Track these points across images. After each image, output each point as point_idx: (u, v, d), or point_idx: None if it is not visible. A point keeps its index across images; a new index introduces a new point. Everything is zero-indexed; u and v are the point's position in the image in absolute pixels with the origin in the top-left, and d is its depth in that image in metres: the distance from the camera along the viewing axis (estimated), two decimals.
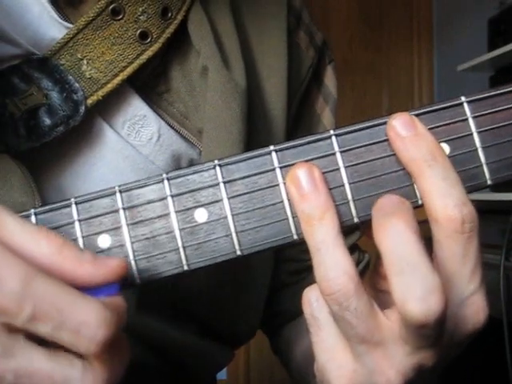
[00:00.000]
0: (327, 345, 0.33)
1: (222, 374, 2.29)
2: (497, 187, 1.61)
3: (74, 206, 0.33)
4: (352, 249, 0.61)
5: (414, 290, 0.28)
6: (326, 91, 0.60)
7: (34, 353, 0.27)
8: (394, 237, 0.29)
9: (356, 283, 0.30)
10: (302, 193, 0.31)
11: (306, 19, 0.59)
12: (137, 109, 0.47)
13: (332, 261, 0.30)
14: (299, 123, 0.57)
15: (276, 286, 0.58)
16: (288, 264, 0.59)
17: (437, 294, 0.28)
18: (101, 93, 0.43)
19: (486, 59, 1.93)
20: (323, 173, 0.33)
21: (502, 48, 1.84)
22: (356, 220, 0.33)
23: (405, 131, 0.32)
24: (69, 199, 0.33)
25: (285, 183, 0.32)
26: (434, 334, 0.29)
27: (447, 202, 0.31)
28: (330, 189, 0.33)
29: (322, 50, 0.60)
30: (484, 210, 1.61)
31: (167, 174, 0.33)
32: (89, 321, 0.27)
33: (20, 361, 0.27)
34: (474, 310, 0.32)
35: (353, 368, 0.32)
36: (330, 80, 0.60)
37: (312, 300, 0.33)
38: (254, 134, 0.49)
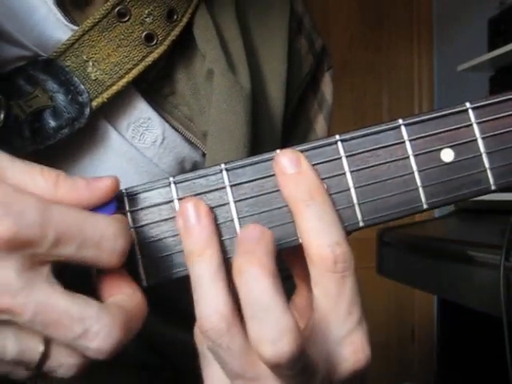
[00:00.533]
0: (216, 378, 0.33)
1: None
2: None
3: None
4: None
5: (265, 333, 0.28)
6: (322, 98, 0.60)
7: (54, 289, 0.29)
8: (248, 281, 0.29)
9: (228, 322, 0.30)
10: (187, 226, 0.32)
11: (307, 24, 0.59)
12: (141, 111, 0.47)
13: (207, 298, 0.30)
14: (293, 128, 0.57)
15: None
16: None
17: (288, 335, 0.28)
18: (106, 95, 0.43)
19: (486, 59, 1.94)
20: (329, 177, 0.33)
21: (502, 48, 1.85)
22: (361, 224, 0.33)
23: (288, 168, 0.32)
24: None
25: None
26: (295, 373, 0.30)
27: (321, 241, 0.31)
28: (336, 193, 0.33)
29: (320, 57, 0.60)
30: (484, 210, 1.62)
31: (174, 177, 0.33)
32: (107, 234, 0.29)
33: (40, 295, 0.28)
34: (352, 349, 0.32)
35: None
36: (326, 87, 0.60)
37: (199, 338, 0.33)
38: (258, 138, 0.49)
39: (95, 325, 0.28)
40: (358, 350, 0.32)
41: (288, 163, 0.33)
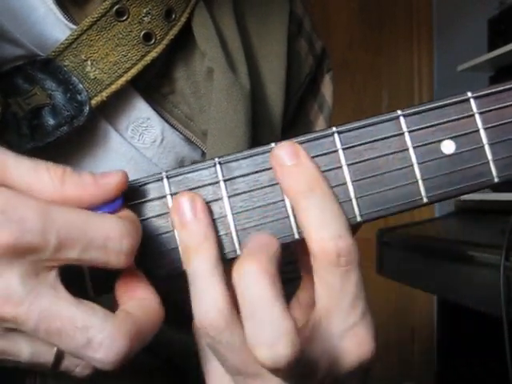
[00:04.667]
0: (216, 376, 0.33)
1: None
2: (497, 187, 1.60)
3: None
4: None
5: (262, 336, 0.28)
6: (322, 100, 0.60)
7: (59, 296, 0.28)
8: (247, 281, 0.29)
9: (227, 318, 0.29)
10: (183, 221, 0.31)
11: (307, 27, 0.59)
12: (141, 111, 0.47)
13: (205, 294, 0.30)
14: (293, 130, 0.57)
15: None
16: None
17: (285, 339, 0.27)
18: (105, 93, 0.43)
19: (485, 59, 1.94)
20: (325, 171, 0.32)
21: (502, 48, 1.84)
22: (359, 219, 0.32)
23: (286, 160, 0.32)
24: None
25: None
26: (294, 374, 0.29)
27: (323, 234, 0.30)
28: (333, 187, 0.32)
29: (320, 59, 0.60)
30: (484, 210, 1.62)
31: (167, 172, 0.33)
32: (112, 234, 0.28)
33: (44, 303, 0.28)
34: (356, 342, 0.31)
35: None
36: (326, 89, 0.60)
37: (196, 334, 0.33)
38: (258, 137, 0.49)
39: (98, 335, 0.28)
40: (362, 342, 0.32)
41: (286, 155, 0.32)
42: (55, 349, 0.29)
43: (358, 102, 2.66)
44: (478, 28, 2.16)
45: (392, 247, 1.50)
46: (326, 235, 0.30)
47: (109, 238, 0.28)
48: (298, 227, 0.32)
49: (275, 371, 0.29)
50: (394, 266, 1.51)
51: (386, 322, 2.61)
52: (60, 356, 0.29)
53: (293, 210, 0.32)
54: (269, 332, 0.28)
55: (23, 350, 0.29)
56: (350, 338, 0.31)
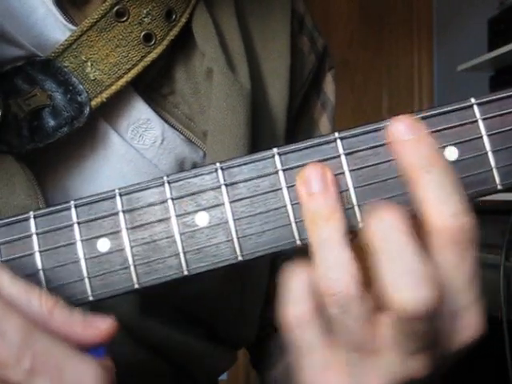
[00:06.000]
0: (316, 368, 0.32)
1: (222, 375, 2.28)
2: None
3: (73, 209, 0.32)
4: None
5: (404, 280, 0.27)
6: (325, 98, 0.60)
7: None
8: (385, 227, 0.29)
9: (359, 285, 0.29)
10: (311, 192, 0.31)
11: (308, 24, 0.59)
12: (140, 112, 0.47)
13: (336, 260, 0.29)
14: (297, 128, 0.57)
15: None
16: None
17: (430, 282, 0.27)
18: (105, 95, 0.43)
19: (485, 59, 1.94)
20: None
21: (502, 48, 1.84)
22: (361, 226, 0.32)
23: (406, 135, 0.31)
24: (68, 202, 0.33)
25: (288, 187, 0.32)
26: (427, 330, 0.29)
27: (443, 210, 0.30)
28: None
29: (322, 56, 0.60)
30: (484, 210, 1.61)
31: (168, 176, 0.32)
32: (86, 377, 0.27)
33: None
34: (466, 324, 0.31)
35: (343, 382, 0.31)
36: (329, 87, 0.60)
37: (293, 323, 0.31)
38: (259, 137, 0.49)
39: None
40: (471, 325, 0.31)
41: (406, 129, 0.31)
42: None
43: (358, 101, 2.66)
44: (477, 28, 2.16)
45: None
46: (447, 211, 0.29)
47: (82, 380, 0.27)
48: (300, 234, 0.32)
49: (412, 322, 0.28)
50: None
51: None
52: None
53: (295, 216, 0.32)
54: (412, 276, 0.27)
55: None
56: (464, 318, 0.31)
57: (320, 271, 0.30)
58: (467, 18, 2.36)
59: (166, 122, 0.48)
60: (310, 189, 0.31)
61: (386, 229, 0.29)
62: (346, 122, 2.53)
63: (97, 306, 0.44)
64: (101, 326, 0.30)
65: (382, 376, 0.31)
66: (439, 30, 2.65)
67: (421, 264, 0.28)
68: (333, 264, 0.29)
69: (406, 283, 0.27)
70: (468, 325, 0.31)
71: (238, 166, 0.32)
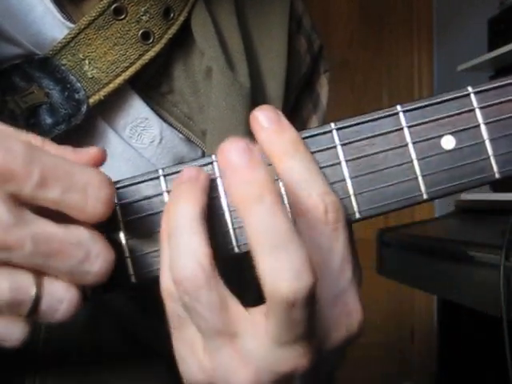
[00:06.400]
0: (187, 340, 0.31)
1: None
2: (497, 187, 1.61)
3: None
4: None
5: (285, 267, 0.26)
6: (317, 100, 0.60)
7: (45, 221, 0.29)
8: (263, 212, 0.27)
9: (207, 274, 0.28)
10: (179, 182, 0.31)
11: (306, 25, 0.58)
12: (138, 111, 0.46)
13: (185, 247, 0.29)
14: None
15: None
16: None
17: (309, 268, 0.26)
18: (102, 93, 0.43)
19: (485, 59, 1.94)
20: (324, 167, 0.32)
21: (502, 48, 1.84)
22: (358, 216, 0.32)
23: (268, 124, 0.32)
24: None
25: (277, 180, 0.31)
26: (301, 317, 0.27)
27: (310, 191, 0.30)
28: (331, 183, 0.32)
29: (317, 58, 0.59)
30: (484, 210, 1.61)
31: (163, 170, 0.33)
32: (93, 181, 0.29)
33: (34, 227, 0.28)
34: (346, 310, 0.30)
35: (211, 366, 0.30)
36: (322, 89, 0.60)
37: (164, 293, 0.31)
38: None
39: (93, 248, 0.29)
40: (351, 312, 0.30)
41: (267, 119, 0.32)
42: (35, 285, 0.29)
43: (358, 101, 2.66)
44: (477, 28, 2.16)
45: (392, 247, 1.50)
46: (313, 192, 0.30)
47: (89, 184, 0.29)
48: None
49: (289, 308, 0.27)
50: (394, 266, 1.51)
51: (385, 322, 2.61)
52: (39, 295, 0.29)
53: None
54: (292, 263, 0.26)
55: (2, 285, 0.28)
56: (340, 305, 0.30)
57: (171, 257, 0.29)
58: (467, 18, 2.36)
59: (165, 120, 0.48)
60: (180, 178, 0.31)
61: (264, 214, 0.27)
62: None
63: (98, 307, 0.44)
64: (90, 151, 0.32)
65: (249, 363, 0.29)
66: (439, 29, 2.65)
67: (300, 250, 0.27)
68: (181, 251, 0.29)
69: (286, 271, 0.26)
70: (345, 313, 0.30)
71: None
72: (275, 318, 0.28)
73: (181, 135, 0.49)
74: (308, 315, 0.28)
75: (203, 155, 0.50)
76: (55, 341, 0.44)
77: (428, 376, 2.45)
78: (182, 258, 0.29)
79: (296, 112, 0.58)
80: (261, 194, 0.27)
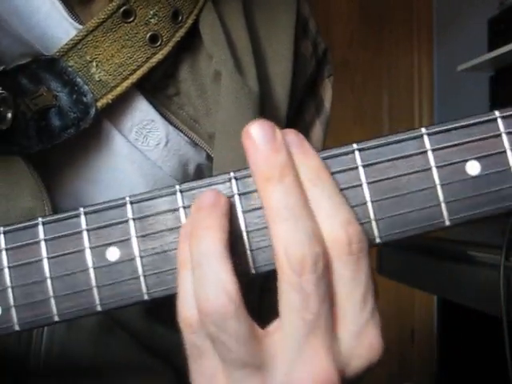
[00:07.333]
0: (207, 372, 0.30)
1: None
2: None
3: (82, 216, 0.32)
4: None
5: (296, 233, 0.28)
6: (320, 104, 0.59)
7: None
8: (282, 193, 0.29)
9: (237, 305, 0.28)
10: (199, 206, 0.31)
11: (312, 28, 0.58)
12: (145, 114, 0.46)
13: (213, 277, 0.28)
14: None
15: None
16: None
17: (317, 237, 0.28)
18: (110, 96, 0.43)
19: (485, 59, 1.94)
20: (344, 189, 0.31)
21: (502, 48, 1.84)
22: (378, 240, 0.31)
23: (294, 147, 0.30)
24: (78, 209, 0.32)
25: None
26: (314, 286, 0.28)
27: (332, 221, 0.29)
28: (352, 206, 0.30)
29: (322, 62, 0.59)
30: None
31: (180, 185, 0.32)
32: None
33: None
34: (368, 344, 0.30)
35: None
36: (326, 94, 0.59)
37: (184, 323, 0.30)
38: None
39: None
40: (373, 344, 0.30)
41: (293, 144, 0.31)
42: None
43: (358, 101, 2.66)
44: (477, 28, 2.16)
45: (392, 247, 1.50)
46: (335, 222, 0.29)
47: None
48: None
49: (299, 276, 0.28)
50: (393, 266, 1.51)
51: (385, 322, 2.59)
52: None
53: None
54: (303, 230, 0.28)
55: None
56: (362, 339, 0.30)
57: (196, 287, 0.29)
58: (467, 18, 2.36)
59: (171, 123, 0.48)
60: (199, 204, 0.30)
61: (281, 192, 0.29)
62: (346, 122, 2.54)
63: (111, 319, 0.44)
64: None
65: None
66: (439, 29, 2.65)
67: (307, 222, 0.29)
68: (209, 281, 0.28)
69: (293, 239, 0.28)
70: (367, 347, 0.30)
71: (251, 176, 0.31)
72: (287, 291, 0.28)
73: (186, 138, 0.49)
74: (319, 290, 0.28)
75: (207, 157, 0.50)
76: (64, 354, 0.44)
77: (428, 376, 2.45)
78: (210, 288, 0.28)
79: (299, 115, 0.58)
80: (282, 174, 0.29)
